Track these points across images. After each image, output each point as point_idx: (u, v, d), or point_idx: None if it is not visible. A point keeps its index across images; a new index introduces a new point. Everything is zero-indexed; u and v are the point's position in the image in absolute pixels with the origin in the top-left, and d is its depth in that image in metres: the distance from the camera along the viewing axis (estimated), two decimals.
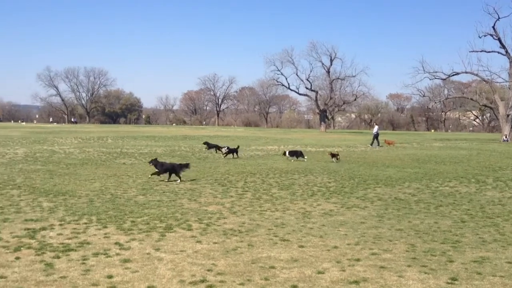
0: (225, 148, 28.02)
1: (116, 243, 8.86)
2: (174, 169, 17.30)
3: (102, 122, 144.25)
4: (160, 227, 10.24)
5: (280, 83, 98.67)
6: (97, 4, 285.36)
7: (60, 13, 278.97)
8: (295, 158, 26.01)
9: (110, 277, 7.05)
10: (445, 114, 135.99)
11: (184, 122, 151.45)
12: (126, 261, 7.83)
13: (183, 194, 14.53)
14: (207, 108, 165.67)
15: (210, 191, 15.13)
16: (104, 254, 8.15)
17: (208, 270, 7.45)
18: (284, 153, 26.99)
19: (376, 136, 42.36)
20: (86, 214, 11.26)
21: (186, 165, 17.74)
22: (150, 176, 17.74)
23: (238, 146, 28.75)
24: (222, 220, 11.11)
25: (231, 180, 17.63)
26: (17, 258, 7.81)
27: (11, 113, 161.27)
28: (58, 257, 7.90)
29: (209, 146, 32.05)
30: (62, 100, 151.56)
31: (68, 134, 53.57)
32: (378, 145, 41.68)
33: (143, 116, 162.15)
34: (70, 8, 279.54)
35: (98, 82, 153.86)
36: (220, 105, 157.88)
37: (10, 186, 15.16)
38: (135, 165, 22.38)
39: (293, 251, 8.71)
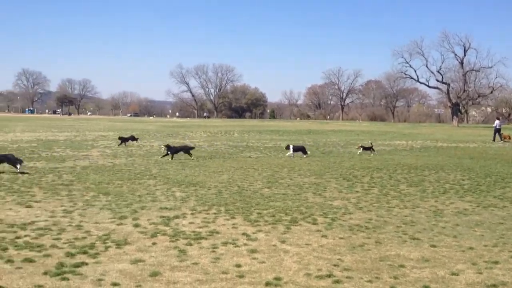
0: (163, 147, 22.84)
1: (243, 234, 9.08)
2: (8, 160, 16.62)
3: (229, 117, 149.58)
4: (285, 220, 10.31)
5: (408, 76, 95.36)
6: (224, 4, 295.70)
7: (191, 14, 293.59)
8: (300, 153, 24.03)
9: (238, 266, 7.23)
10: None
11: (308, 117, 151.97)
12: (253, 251, 7.99)
13: (308, 188, 14.53)
14: (331, 102, 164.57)
15: (335, 186, 14.97)
16: (233, 244, 8.39)
17: (335, 265, 7.35)
18: (288, 147, 24.70)
19: (496, 131, 40.10)
20: (215, 205, 11.69)
21: (20, 161, 16.87)
22: None
23: (193, 147, 24.28)
24: (347, 215, 10.92)
25: (357, 175, 17.30)
26: (154, 243, 8.31)
27: (147, 108, 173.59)
28: (190, 244, 8.27)
29: (123, 140, 29.43)
30: (192, 95, 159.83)
31: (197, 128, 56.25)
32: (494, 140, 39.14)
33: (268, 111, 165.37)
34: (200, 9, 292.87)
35: (226, 78, 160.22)
36: (345, 99, 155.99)
37: (147, 176, 16.22)
38: (261, 159, 22.84)
39: (424, 250, 8.31)
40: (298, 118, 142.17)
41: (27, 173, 16.20)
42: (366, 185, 15.26)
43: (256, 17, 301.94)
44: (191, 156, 21.97)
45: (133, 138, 30.45)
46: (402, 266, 7.41)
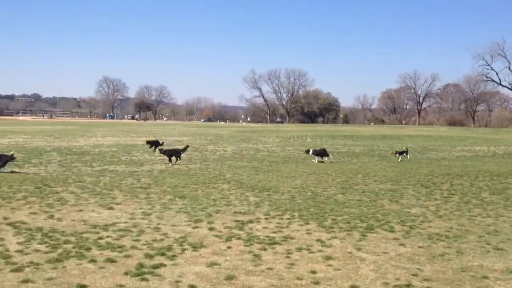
0: (157, 151, 24.00)
1: (318, 240, 8.98)
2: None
3: (301, 122, 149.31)
4: (360, 226, 10.10)
5: (489, 79, 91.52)
6: (293, 11, 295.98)
7: (261, 18, 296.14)
8: (319, 158, 23.48)
9: (313, 272, 7.15)
10: None
11: (383, 121, 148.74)
12: (328, 258, 7.87)
13: (384, 194, 14.17)
14: (407, 107, 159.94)
15: (412, 193, 14.50)
16: (307, 250, 8.31)
17: (413, 275, 7.10)
18: (307, 151, 24.30)
19: None
20: (288, 210, 11.65)
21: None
22: None
23: (187, 146, 24.80)
24: (426, 223, 10.53)
25: (435, 182, 16.69)
26: (229, 247, 8.39)
27: (220, 113, 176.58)
28: (265, 249, 8.28)
29: (152, 143, 28.55)
30: (265, 100, 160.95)
31: (270, 133, 56.52)
32: None
33: (341, 116, 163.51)
34: (273, 15, 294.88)
35: (298, 83, 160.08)
36: (421, 104, 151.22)
37: (221, 181, 16.46)
38: (334, 164, 22.56)
39: (508, 261, 7.86)
40: (372, 123, 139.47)
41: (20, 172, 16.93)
42: (445, 192, 14.68)
43: (329, 21, 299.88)
44: (179, 159, 21.94)
45: (157, 143, 28.98)
46: (485, 277, 7.05)
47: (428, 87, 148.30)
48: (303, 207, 12.07)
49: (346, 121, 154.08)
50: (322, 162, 22.97)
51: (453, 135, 58.48)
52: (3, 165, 17.44)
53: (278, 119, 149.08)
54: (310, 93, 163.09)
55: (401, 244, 8.78)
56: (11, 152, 19.16)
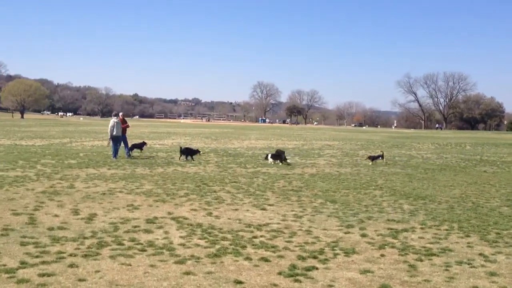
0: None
1: (480, 254, 8.32)
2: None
3: (459, 128, 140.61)
4: None
5: None
6: (451, 14, 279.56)
7: (415, 21, 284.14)
8: (278, 161, 22.15)
9: None
10: None
11: None
12: (492, 274, 7.25)
13: None
14: None
15: None
16: (468, 264, 7.74)
17: None
18: (266, 157, 22.78)
19: None
20: (446, 221, 10.98)
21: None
22: None
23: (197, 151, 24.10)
24: None
25: None
26: (382, 255, 8.12)
27: (371, 118, 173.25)
28: (421, 260, 7.87)
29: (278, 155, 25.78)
30: (420, 106, 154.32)
31: (425, 140, 54.05)
32: None
33: (505, 122, 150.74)
34: (431, 14, 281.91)
35: (457, 87, 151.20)
36: None
37: (373, 187, 16.07)
38: (498, 174, 20.85)
39: None
40: None
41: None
42: None
43: (494, 18, 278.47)
44: (193, 159, 23.05)
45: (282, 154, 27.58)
46: None
47: None
48: (463, 218, 11.29)
49: (510, 128, 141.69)
50: (284, 164, 22.30)
51: None
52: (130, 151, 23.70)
53: (437, 125, 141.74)
54: (471, 97, 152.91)
55: None
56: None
